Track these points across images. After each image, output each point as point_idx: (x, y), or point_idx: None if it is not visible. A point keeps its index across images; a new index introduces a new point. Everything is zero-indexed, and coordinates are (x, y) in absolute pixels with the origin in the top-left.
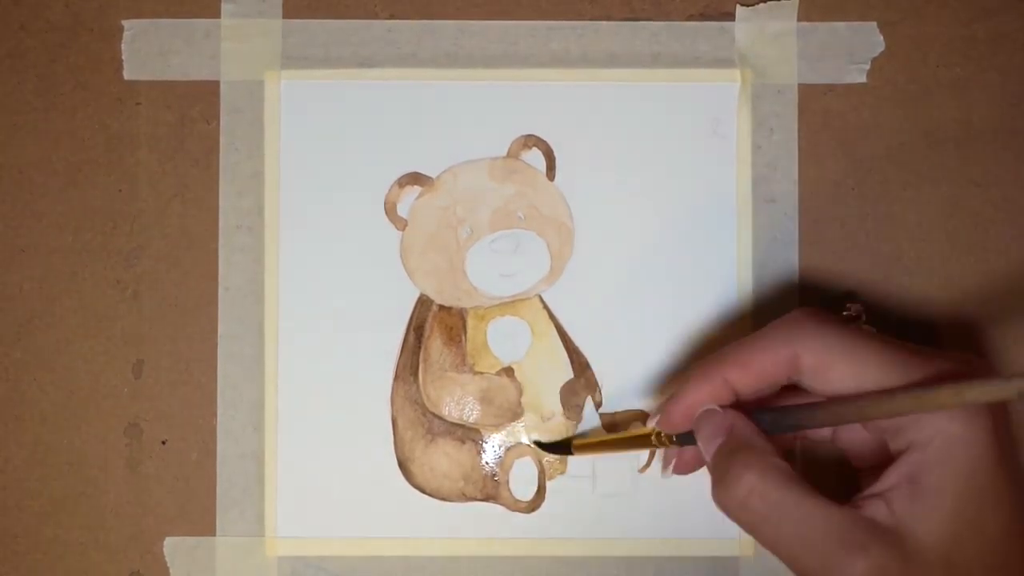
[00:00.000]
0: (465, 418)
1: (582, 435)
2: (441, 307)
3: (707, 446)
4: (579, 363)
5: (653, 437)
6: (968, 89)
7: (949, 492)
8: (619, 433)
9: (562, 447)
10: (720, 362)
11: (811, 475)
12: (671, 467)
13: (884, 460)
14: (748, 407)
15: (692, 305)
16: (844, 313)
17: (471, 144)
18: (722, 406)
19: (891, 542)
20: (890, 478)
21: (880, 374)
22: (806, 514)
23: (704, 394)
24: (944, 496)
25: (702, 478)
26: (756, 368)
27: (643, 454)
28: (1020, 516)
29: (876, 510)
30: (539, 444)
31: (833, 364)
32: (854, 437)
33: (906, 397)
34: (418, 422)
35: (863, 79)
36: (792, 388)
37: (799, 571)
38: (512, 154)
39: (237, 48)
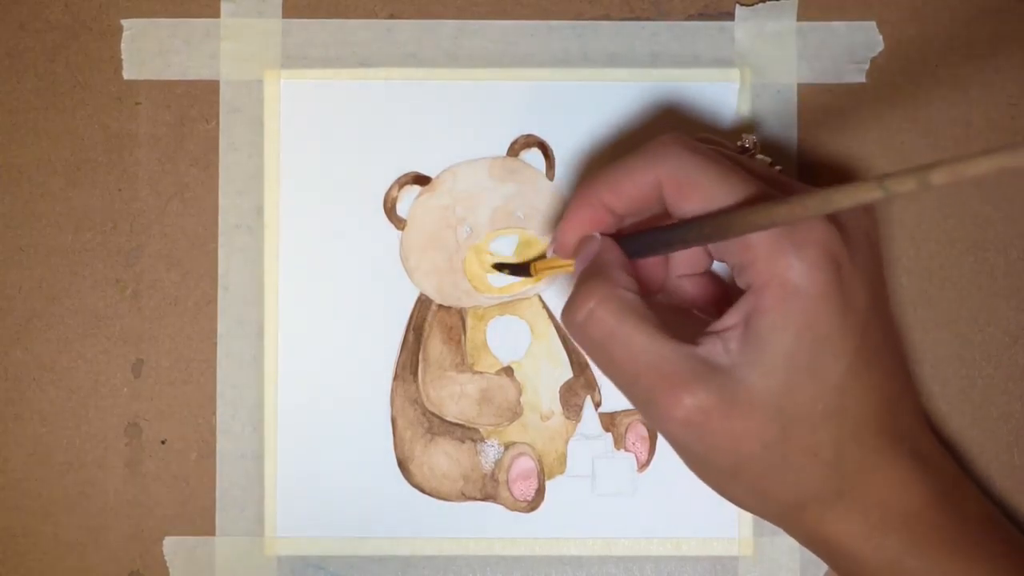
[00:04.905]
0: (464, 417)
1: (540, 258)
2: (441, 306)
3: (576, 270)
4: (578, 363)
5: None
6: (968, 89)
7: (782, 339)
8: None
9: (522, 269)
10: (594, 186)
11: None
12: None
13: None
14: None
15: None
16: (738, 143)
17: (471, 144)
18: (606, 232)
19: (717, 384)
20: (729, 318)
21: (731, 197)
22: (637, 346)
23: (585, 218)
24: (776, 343)
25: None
26: (625, 191)
27: (641, 453)
28: (866, 365)
29: (712, 348)
30: (498, 266)
31: (688, 187)
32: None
33: (757, 211)
34: (417, 422)
35: (862, 79)
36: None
37: (630, 401)
38: (512, 153)
39: (237, 48)
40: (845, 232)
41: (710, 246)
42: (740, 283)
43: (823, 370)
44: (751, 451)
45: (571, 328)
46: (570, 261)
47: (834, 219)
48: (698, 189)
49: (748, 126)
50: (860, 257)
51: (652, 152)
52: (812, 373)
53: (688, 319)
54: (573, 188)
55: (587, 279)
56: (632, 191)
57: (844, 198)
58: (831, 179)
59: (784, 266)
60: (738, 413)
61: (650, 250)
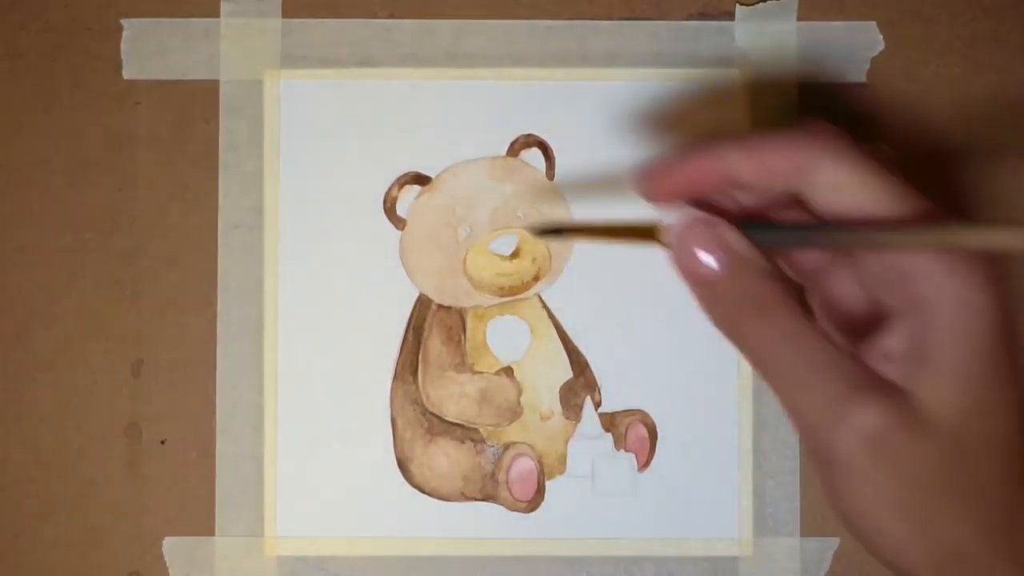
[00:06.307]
0: (464, 418)
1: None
2: (440, 306)
3: (714, 274)
4: (579, 363)
5: (659, 233)
6: (968, 89)
7: (959, 364)
8: (618, 221)
9: (552, 231)
10: (726, 143)
11: None
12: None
13: (873, 317)
14: (733, 219)
15: (692, 304)
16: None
17: (471, 144)
18: (709, 211)
19: (901, 404)
20: (894, 336)
21: (901, 210)
22: (826, 355)
23: (700, 169)
24: (954, 368)
25: (701, 477)
26: (765, 160)
27: (641, 453)
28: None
29: (884, 367)
30: (530, 229)
31: (850, 186)
32: (844, 292)
33: (941, 231)
34: (417, 422)
35: (863, 79)
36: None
37: (795, 409)
38: (512, 153)
39: (236, 48)
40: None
41: (858, 263)
42: (892, 299)
43: (993, 400)
44: (926, 476)
45: (742, 327)
46: (608, 225)
47: None
48: (862, 191)
49: (878, 136)
50: (1007, 281)
51: (811, 136)
52: (984, 403)
53: None
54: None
55: (761, 280)
56: (774, 165)
57: None
58: None
59: (959, 282)
60: (918, 432)
61: (770, 243)
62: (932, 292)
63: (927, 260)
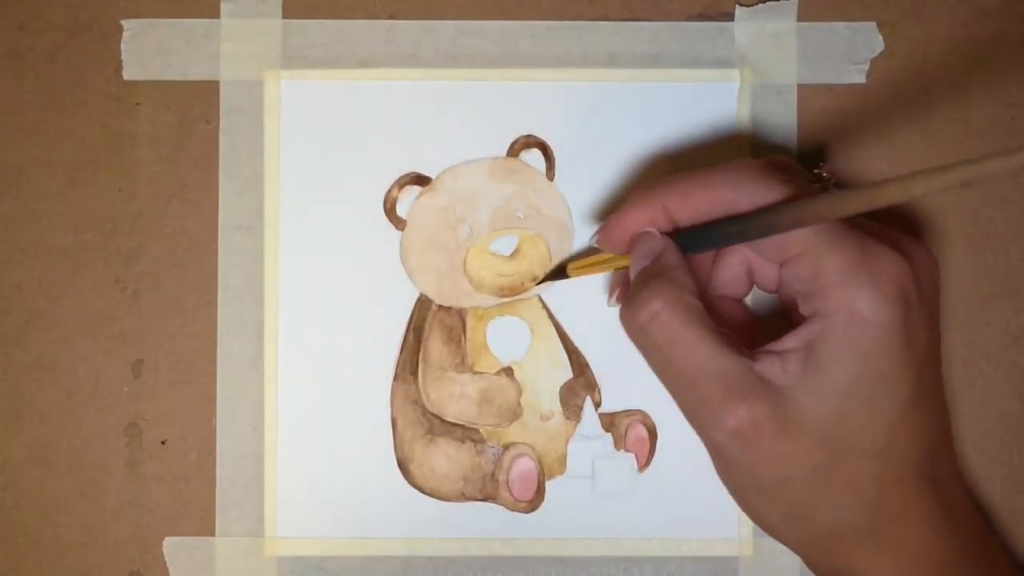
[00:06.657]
0: (464, 418)
1: (574, 258)
2: (441, 307)
3: (634, 267)
4: (579, 363)
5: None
6: (968, 89)
7: (842, 369)
8: (604, 256)
9: (558, 273)
10: (662, 189)
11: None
12: (615, 295)
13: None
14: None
15: None
16: (815, 171)
17: (471, 144)
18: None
19: (774, 401)
20: (790, 340)
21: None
22: (699, 353)
23: (643, 216)
24: (836, 372)
25: (701, 477)
26: (694, 202)
27: (641, 453)
28: (917, 406)
29: (769, 367)
30: (538, 281)
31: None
32: (787, 295)
33: (835, 199)
34: (418, 422)
35: (862, 79)
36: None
37: (681, 407)
38: (512, 154)
39: (237, 48)
40: (914, 269)
41: (783, 273)
42: (805, 310)
43: (878, 405)
44: (797, 472)
45: (630, 328)
46: (604, 259)
47: (904, 256)
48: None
49: (822, 155)
50: (924, 297)
51: (735, 171)
52: (867, 406)
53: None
54: (636, 189)
55: (650, 279)
56: (702, 203)
57: (887, 193)
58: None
59: (855, 295)
60: (789, 432)
61: (704, 244)
62: (829, 302)
63: (834, 272)
